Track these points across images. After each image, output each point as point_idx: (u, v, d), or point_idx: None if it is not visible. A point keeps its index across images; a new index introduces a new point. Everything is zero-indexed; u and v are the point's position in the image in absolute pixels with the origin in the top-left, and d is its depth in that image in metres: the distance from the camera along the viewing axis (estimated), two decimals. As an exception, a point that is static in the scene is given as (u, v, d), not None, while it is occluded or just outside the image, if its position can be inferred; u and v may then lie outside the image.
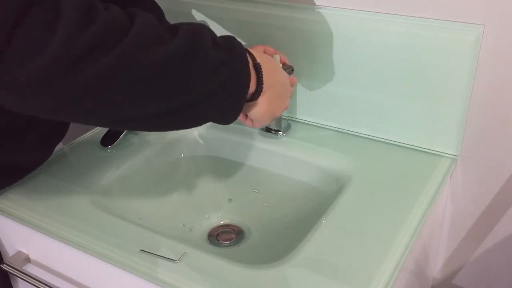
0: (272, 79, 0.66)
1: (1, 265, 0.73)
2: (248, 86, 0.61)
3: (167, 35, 0.53)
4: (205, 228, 0.83)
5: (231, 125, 0.90)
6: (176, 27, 0.55)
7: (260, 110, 0.67)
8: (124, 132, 0.87)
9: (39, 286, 0.70)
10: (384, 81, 0.78)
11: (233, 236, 0.81)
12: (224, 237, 0.81)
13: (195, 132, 0.92)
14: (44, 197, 0.74)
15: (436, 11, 0.72)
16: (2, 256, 0.79)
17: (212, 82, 0.57)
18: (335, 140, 0.85)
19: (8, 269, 0.73)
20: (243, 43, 0.62)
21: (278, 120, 0.85)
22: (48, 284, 0.70)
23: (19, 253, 0.77)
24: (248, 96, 0.64)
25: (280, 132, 0.87)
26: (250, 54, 0.63)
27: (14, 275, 0.73)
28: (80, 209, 0.72)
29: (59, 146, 0.86)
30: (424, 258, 0.79)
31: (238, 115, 0.63)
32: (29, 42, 0.44)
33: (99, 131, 0.90)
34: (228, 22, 0.89)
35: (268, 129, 0.87)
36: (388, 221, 0.66)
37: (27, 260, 0.77)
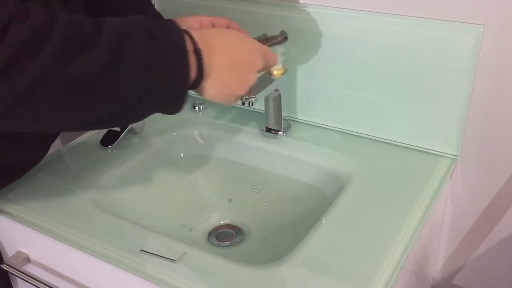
0: (222, 59, 0.60)
1: (1, 265, 0.73)
2: (187, 79, 0.57)
3: (92, 37, 0.50)
4: (205, 228, 0.83)
5: (231, 125, 0.91)
6: (101, 26, 0.51)
7: (213, 93, 0.61)
8: (124, 132, 0.87)
9: (39, 286, 0.70)
10: (384, 81, 0.78)
11: (233, 236, 0.81)
12: (224, 237, 0.81)
13: (195, 132, 0.92)
14: (44, 197, 0.74)
15: (436, 11, 0.72)
16: (2, 256, 0.79)
17: (148, 81, 0.54)
18: (335, 140, 0.85)
19: (8, 269, 0.73)
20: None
21: (278, 120, 0.85)
22: (48, 284, 0.70)
23: (19, 253, 0.77)
24: (191, 83, 0.58)
25: (280, 132, 0.87)
26: (192, 37, 0.57)
27: (14, 275, 0.73)
28: (80, 209, 0.72)
29: (59, 146, 0.86)
30: (424, 258, 0.79)
31: (182, 106, 0.59)
32: None
33: (99, 131, 0.90)
34: (228, 22, 0.88)
35: (268, 129, 0.87)
36: (388, 221, 0.66)
37: (27, 260, 0.77)
